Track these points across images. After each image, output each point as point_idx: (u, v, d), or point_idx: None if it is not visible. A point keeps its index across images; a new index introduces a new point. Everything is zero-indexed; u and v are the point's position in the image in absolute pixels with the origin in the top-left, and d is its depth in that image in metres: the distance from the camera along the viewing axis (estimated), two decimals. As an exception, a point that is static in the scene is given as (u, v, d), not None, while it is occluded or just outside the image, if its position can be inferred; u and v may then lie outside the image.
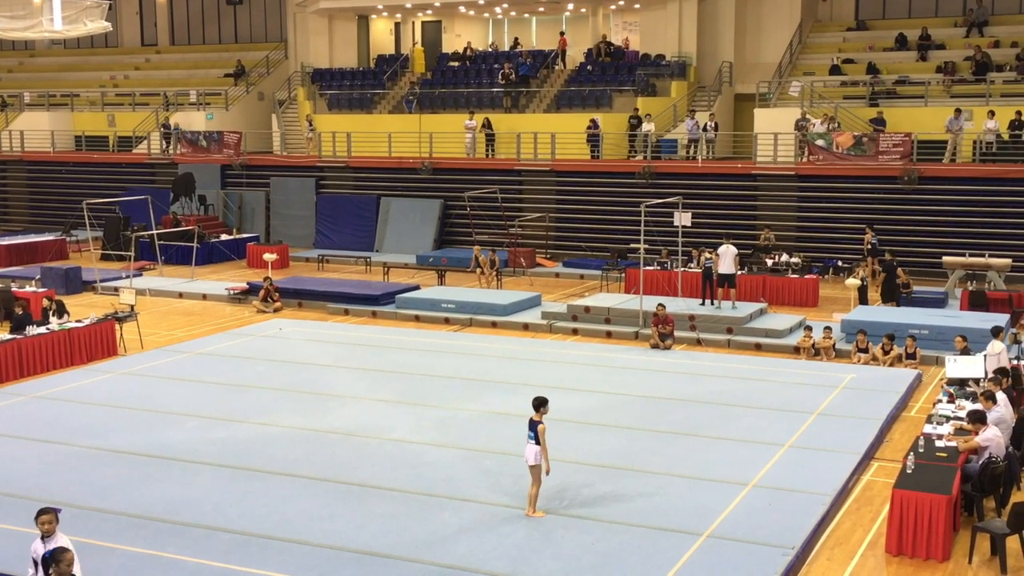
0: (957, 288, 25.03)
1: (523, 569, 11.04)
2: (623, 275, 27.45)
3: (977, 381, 15.64)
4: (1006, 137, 28.93)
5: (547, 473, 12.25)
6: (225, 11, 47.77)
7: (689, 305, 23.17)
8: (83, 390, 18.23)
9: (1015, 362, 16.82)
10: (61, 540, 8.93)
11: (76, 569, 8.92)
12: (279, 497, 13.11)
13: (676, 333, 21.54)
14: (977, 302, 23.22)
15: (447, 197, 34.32)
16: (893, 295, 24.00)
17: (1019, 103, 29.28)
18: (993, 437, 12.67)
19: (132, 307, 22.32)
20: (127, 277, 28.26)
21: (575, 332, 23.00)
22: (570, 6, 39.89)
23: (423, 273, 30.15)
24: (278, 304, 25.64)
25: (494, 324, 23.75)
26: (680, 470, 13.98)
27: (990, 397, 13.57)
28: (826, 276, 28.10)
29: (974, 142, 29.12)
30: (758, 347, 21.45)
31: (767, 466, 14.10)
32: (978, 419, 12.89)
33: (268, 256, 29.14)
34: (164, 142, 39.90)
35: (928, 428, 13.90)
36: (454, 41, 43.41)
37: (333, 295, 26.04)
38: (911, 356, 19.81)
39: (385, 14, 43.13)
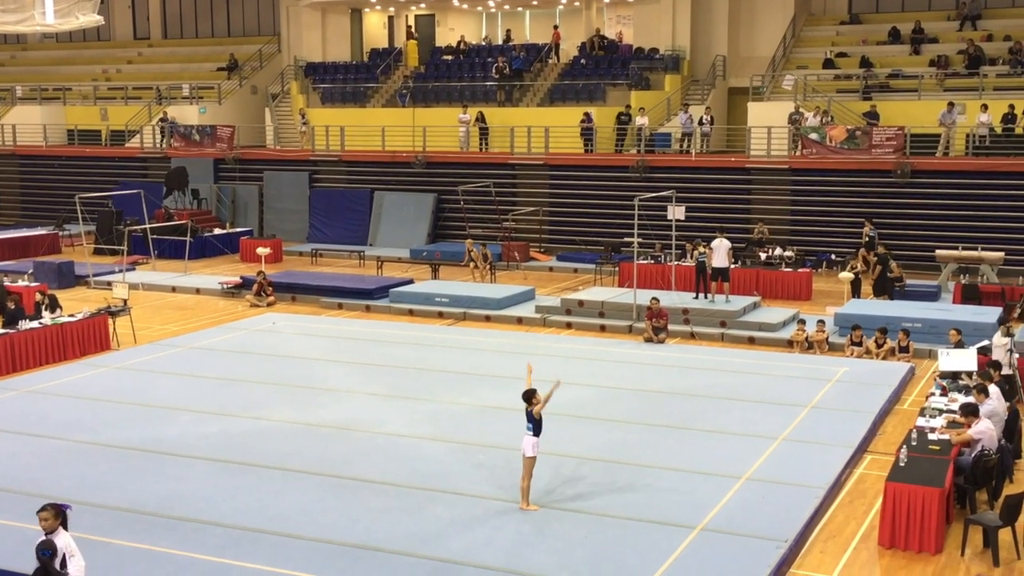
0: (950, 281, 25.07)
1: (516, 562, 11.04)
2: (617, 269, 27.45)
3: (970, 374, 15.66)
4: (999, 131, 28.97)
5: (560, 384, 12.61)
6: (218, 5, 47.64)
7: (683, 299, 23.18)
8: (76, 384, 18.19)
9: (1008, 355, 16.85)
10: (62, 537, 8.89)
11: (79, 556, 8.90)
12: (272, 491, 13.10)
13: (670, 327, 21.55)
14: (970, 295, 23.27)
15: (441, 191, 34.28)
16: (886, 288, 24.03)
17: (1012, 96, 29.32)
18: (986, 430, 12.69)
19: (125, 301, 22.26)
20: (120, 271, 28.22)
21: (569, 326, 23.00)
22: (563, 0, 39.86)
23: (417, 267, 30.13)
24: (271, 298, 25.61)
25: (488, 318, 23.74)
26: (673, 463, 13.99)
27: (983, 390, 13.60)
28: (820, 270, 28.13)
29: (967, 136, 29.16)
30: (751, 340, 21.47)
31: (760, 459, 14.11)
32: (971, 412, 12.92)
33: (261, 250, 29.09)
34: (162, 135, 39.75)
35: (921, 421, 13.92)
36: (447, 35, 43.35)
37: (327, 289, 26.01)
38: (904, 350, 19.84)
39: (378, 8, 43.06)
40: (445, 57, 40.73)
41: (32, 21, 24.91)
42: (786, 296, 25.23)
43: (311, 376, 18.63)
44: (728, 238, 23.65)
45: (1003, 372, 16.30)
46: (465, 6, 42.35)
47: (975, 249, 25.66)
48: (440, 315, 24.14)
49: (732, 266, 23.76)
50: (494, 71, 37.59)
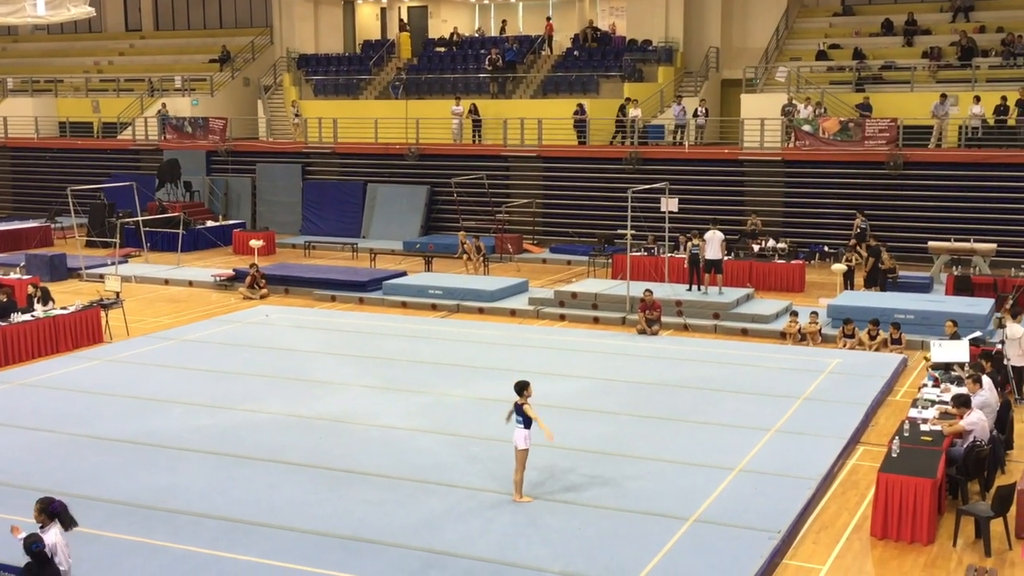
0: (942, 273, 25.12)
1: (510, 554, 11.06)
2: (610, 261, 27.46)
3: (962, 365, 15.71)
4: (991, 122, 29.01)
5: (550, 439, 12.21)
6: (210, -4, 47.54)
7: (676, 291, 23.21)
8: (69, 377, 18.16)
9: (999, 346, 16.91)
10: (51, 534, 8.89)
11: (61, 557, 8.90)
12: (266, 484, 13.10)
13: (663, 319, 21.57)
14: (962, 287, 23.31)
15: (434, 183, 34.25)
16: (877, 280, 24.07)
17: (1004, 88, 29.36)
18: (978, 421, 12.74)
19: (117, 294, 22.23)
20: (112, 264, 28.16)
21: (562, 318, 23.01)
22: (556, -9, 39.86)
23: (410, 259, 30.11)
24: (264, 291, 25.58)
25: (481, 310, 23.74)
26: (666, 455, 14.02)
27: (976, 381, 13.64)
28: (812, 261, 28.18)
29: (960, 127, 29.19)
30: (744, 332, 21.51)
31: (753, 451, 14.15)
32: (963, 403, 12.95)
33: (254, 243, 29.06)
34: (159, 127, 39.59)
35: (913, 412, 13.96)
36: (440, 27, 43.25)
37: (320, 281, 25.98)
38: (896, 341, 19.89)
39: (371, -1, 42.98)
40: (438, 49, 40.64)
41: (23, 13, 24.78)
42: (779, 288, 25.27)
43: (304, 368, 18.62)
44: (721, 230, 23.65)
45: (1013, 364, 16.41)
46: (458, -2, 42.30)
47: (967, 241, 25.72)
48: (433, 307, 24.14)
49: (725, 258, 23.78)
50: (487, 63, 37.54)
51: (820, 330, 20.64)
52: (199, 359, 19.27)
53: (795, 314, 21.09)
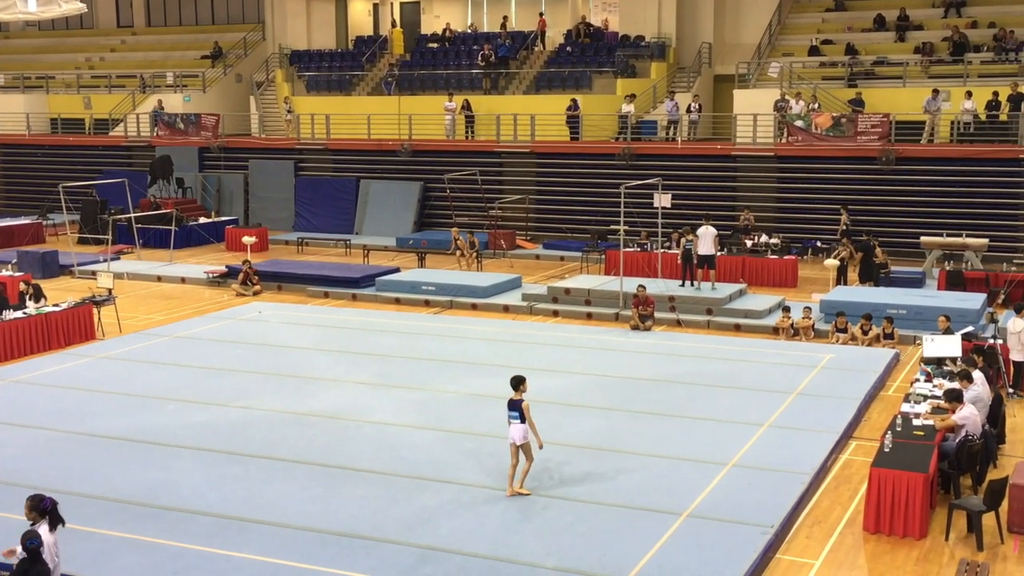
0: (934, 268, 25.17)
1: (503, 550, 11.07)
2: (603, 257, 27.47)
3: (954, 360, 15.75)
4: (983, 117, 29.04)
5: (540, 447, 12.41)
6: (202, -8, 47.43)
7: (669, 286, 23.22)
8: (61, 374, 18.13)
9: (991, 341, 16.95)
10: (41, 532, 8.87)
11: (48, 556, 8.88)
12: (259, 480, 13.10)
13: (656, 314, 21.59)
14: (954, 282, 23.36)
15: (427, 179, 34.21)
16: (871, 275, 24.11)
17: (996, 83, 29.40)
18: (970, 415, 12.77)
19: (110, 291, 22.19)
20: (104, 261, 28.10)
21: (555, 314, 23.02)
22: (549, -13, 39.82)
23: (403, 256, 30.09)
24: (257, 287, 25.55)
25: (474, 306, 23.74)
26: (660, 450, 14.03)
27: (967, 376, 13.67)
28: (805, 257, 28.21)
29: (952, 122, 29.24)
30: (737, 328, 21.53)
31: (747, 446, 14.17)
32: (955, 398, 12.98)
33: (247, 239, 29.00)
34: (151, 123, 39.48)
35: (906, 407, 13.99)
36: (433, 22, 43.19)
37: (313, 278, 25.96)
38: (889, 336, 19.92)
39: (363, -5, 42.88)
40: (431, 45, 40.59)
41: (14, 8, 24.70)
42: (772, 283, 25.30)
43: (298, 365, 18.60)
44: (714, 225, 23.69)
45: (1014, 359, 16.45)
46: (450, -7, 42.23)
47: (959, 235, 25.77)
48: (427, 303, 24.13)
49: (718, 253, 23.80)
50: (480, 59, 37.50)
51: (813, 325, 20.67)
52: (192, 356, 19.24)
53: (787, 309, 21.12)
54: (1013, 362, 16.60)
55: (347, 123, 36.29)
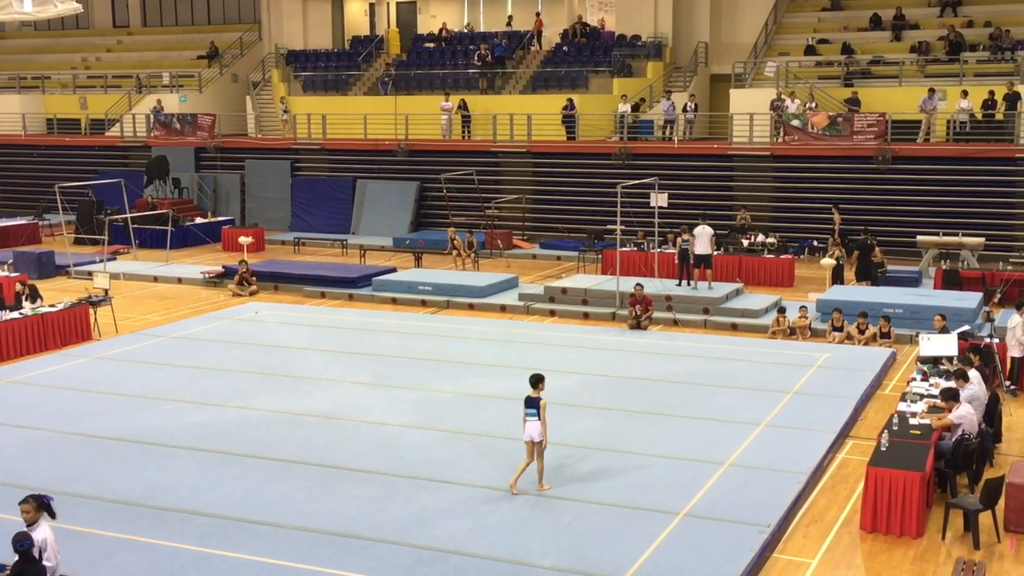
0: (931, 267, 25.19)
1: (501, 550, 11.07)
2: (600, 256, 27.47)
3: (950, 359, 15.77)
4: (979, 117, 29.07)
5: (544, 447, 12.52)
6: (198, -8, 47.38)
7: (666, 286, 23.23)
8: (57, 375, 18.11)
9: (987, 340, 16.97)
10: (41, 531, 8.86)
11: (51, 553, 8.89)
12: (256, 480, 13.09)
13: (653, 314, 21.56)
14: (950, 281, 23.38)
15: (423, 179, 34.21)
16: (869, 274, 24.13)
17: (992, 83, 29.42)
18: (966, 414, 12.78)
19: (106, 291, 22.16)
20: (101, 261, 28.06)
21: (552, 313, 23.02)
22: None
23: (400, 255, 30.07)
24: (254, 287, 25.53)
25: (471, 306, 23.73)
26: (657, 450, 14.04)
27: (963, 375, 13.69)
28: (801, 256, 28.21)
29: (948, 122, 29.25)
30: (734, 327, 21.54)
31: (743, 445, 14.18)
32: (951, 397, 13.00)
33: (243, 239, 29.00)
34: (147, 123, 39.43)
35: (902, 406, 14.01)
36: (429, 22, 43.19)
37: (309, 278, 25.94)
38: (885, 335, 19.94)
39: (359, -5, 42.85)
40: (427, 45, 40.56)
41: (10, 9, 24.65)
42: (768, 283, 25.31)
43: (294, 365, 18.59)
44: (710, 225, 23.70)
45: (1013, 355, 16.48)
46: (447, -7, 42.19)
47: (956, 235, 25.79)
48: (423, 303, 24.12)
49: (715, 253, 23.81)
50: (476, 59, 37.49)
51: (809, 324, 20.68)
52: (188, 356, 19.22)
53: (782, 311, 21.06)
54: (1012, 359, 16.62)
55: (343, 123, 36.27)
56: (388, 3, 43.82)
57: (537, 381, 12.54)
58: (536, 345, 20.07)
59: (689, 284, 23.28)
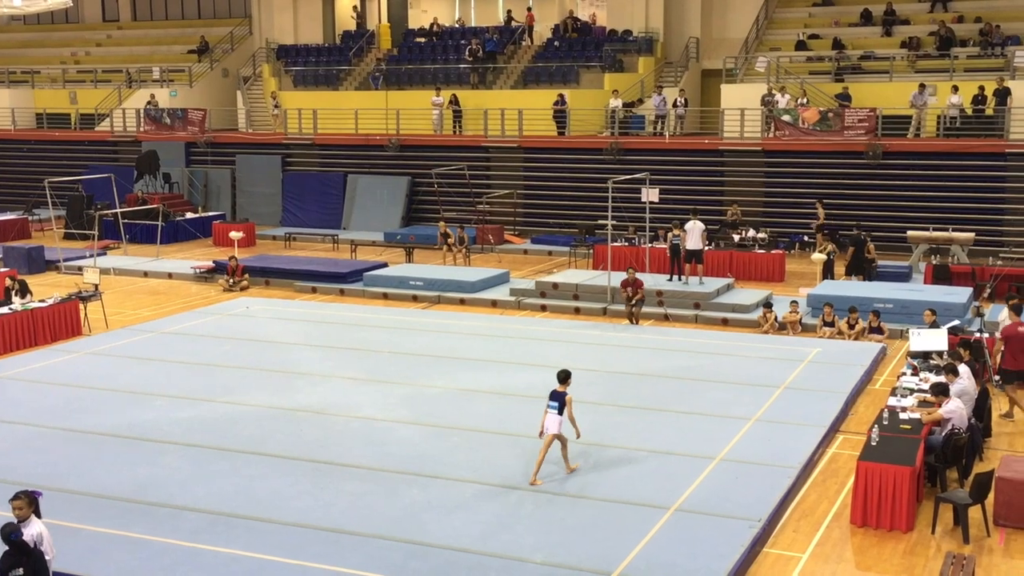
0: (921, 262, 25.26)
1: (492, 545, 11.07)
2: (591, 251, 27.49)
3: (940, 354, 15.81)
4: (969, 112, 29.15)
5: (578, 437, 12.91)
6: (188, -14, 47.23)
7: (657, 281, 23.24)
8: (47, 370, 18.05)
9: (977, 335, 17.02)
10: (35, 525, 8.84)
11: (47, 547, 8.87)
12: (246, 476, 13.07)
13: (644, 309, 21.55)
14: (941, 276, 23.45)
15: (415, 174, 34.18)
16: (861, 269, 24.17)
17: (982, 78, 29.50)
18: (956, 409, 12.82)
19: (96, 286, 22.08)
20: (91, 256, 27.99)
21: (543, 308, 23.03)
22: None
23: (391, 251, 30.06)
24: (245, 283, 25.48)
25: (462, 301, 23.73)
26: (648, 445, 14.05)
27: (953, 370, 13.73)
28: (792, 251, 28.27)
29: (938, 117, 29.33)
30: (725, 322, 21.57)
31: (734, 440, 14.20)
32: (941, 391, 13.03)
33: (234, 234, 28.92)
34: (137, 118, 39.30)
35: (892, 401, 14.05)
36: (420, 17, 43.12)
37: (300, 273, 25.91)
38: (876, 330, 19.98)
39: (350, -11, 42.74)
40: (418, 39, 40.52)
41: (0, 3, 24.58)
42: (759, 278, 25.36)
43: (285, 360, 18.56)
44: (702, 220, 23.72)
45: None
46: (438, -12, 42.11)
47: (946, 230, 25.86)
48: (414, 298, 24.11)
49: (706, 248, 23.84)
50: (467, 53, 37.45)
51: (800, 319, 20.72)
52: (179, 351, 19.18)
53: (768, 306, 21.05)
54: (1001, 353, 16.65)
55: (334, 118, 36.21)
56: (379, -2, 43.74)
57: (565, 377, 12.83)
58: (527, 340, 20.07)
59: (680, 279, 23.30)
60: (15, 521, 8.83)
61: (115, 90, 41.17)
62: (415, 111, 35.34)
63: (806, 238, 28.66)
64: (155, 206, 31.90)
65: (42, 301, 20.86)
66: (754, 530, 11.31)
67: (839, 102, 30.58)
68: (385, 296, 24.39)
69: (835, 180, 29.24)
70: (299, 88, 39.48)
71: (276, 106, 38.01)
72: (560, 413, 12.61)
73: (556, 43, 37.70)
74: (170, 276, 27.11)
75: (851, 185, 29.06)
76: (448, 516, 11.82)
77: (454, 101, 35.37)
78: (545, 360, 18.33)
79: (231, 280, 25.36)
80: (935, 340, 16.01)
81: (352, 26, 43.62)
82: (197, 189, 37.45)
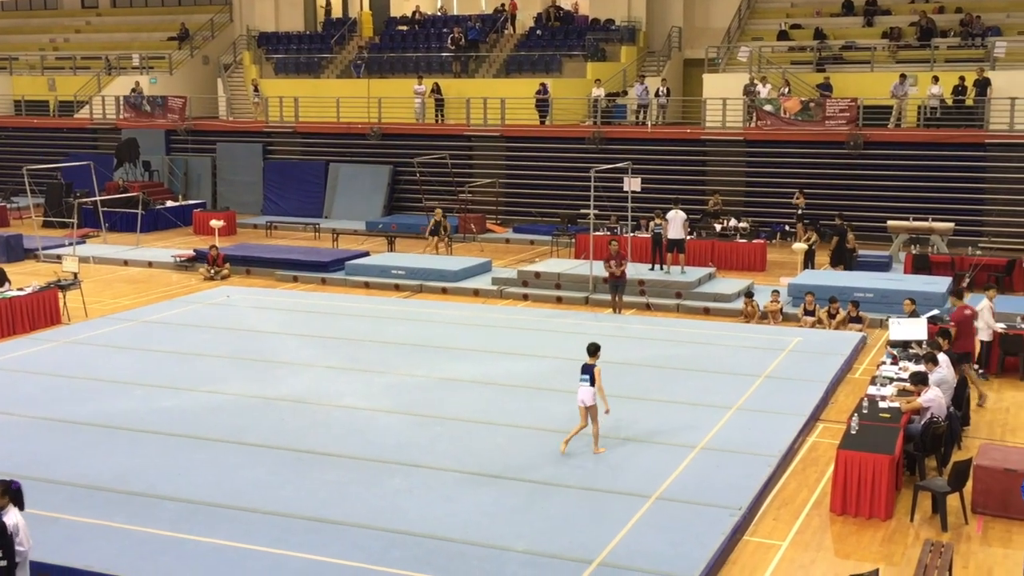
0: (901, 252, 25.38)
1: (473, 533, 11.08)
2: (573, 241, 27.50)
3: (920, 343, 15.90)
4: (950, 102, 29.26)
5: (607, 412, 13.28)
6: (168, -27, 46.88)
7: (639, 270, 23.27)
8: (26, 359, 17.94)
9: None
10: (11, 516, 8.78)
11: (23, 538, 8.82)
12: (227, 465, 13.03)
13: (626, 298, 21.55)
14: (920, 265, 23.58)
15: (396, 163, 34.08)
16: (843, 259, 24.25)
17: (962, 68, 29.62)
18: (935, 398, 12.90)
19: (75, 275, 21.94)
20: (70, 244, 27.80)
21: (525, 298, 23.03)
22: (519, -30, 39.62)
23: (373, 239, 29.98)
24: (225, 271, 25.37)
25: (444, 290, 23.70)
26: (629, 433, 14.08)
27: (932, 359, 13.81)
28: (774, 241, 28.35)
29: (919, 107, 29.43)
30: (707, 311, 21.62)
31: (715, 428, 14.25)
32: (920, 381, 13.11)
33: (215, 223, 28.79)
34: (116, 106, 39.01)
35: (872, 390, 14.13)
36: (402, 5, 42.95)
37: (282, 262, 25.82)
38: (856, 319, 20.08)
39: (332, -24, 42.51)
40: (400, 28, 40.36)
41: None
42: (741, 267, 25.42)
43: (266, 349, 18.51)
44: (683, 209, 23.75)
45: (982, 339, 16.65)
46: (420, -25, 41.94)
47: (926, 220, 25.98)
48: (396, 287, 24.06)
49: (688, 237, 23.88)
50: (450, 42, 37.33)
51: (781, 309, 20.79)
52: (159, 340, 19.09)
53: (750, 295, 21.11)
54: (980, 342, 16.78)
55: (316, 106, 36.05)
56: (361, -15, 43.54)
57: (595, 349, 13.30)
58: (509, 329, 20.08)
59: (662, 268, 23.35)
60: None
61: (94, 77, 40.86)
62: (397, 99, 35.22)
63: (787, 227, 28.74)
64: (135, 194, 31.69)
65: (21, 290, 20.71)
66: (735, 518, 11.36)
67: (820, 92, 30.65)
68: (367, 285, 24.34)
69: (816, 170, 29.32)
70: (280, 76, 39.29)
71: (257, 93, 37.81)
72: (592, 385, 12.96)
73: (538, 32, 37.63)
74: (150, 265, 26.97)
75: (832, 175, 29.15)
76: (430, 505, 11.82)
77: (436, 90, 35.27)
78: (527, 349, 18.36)
79: (212, 269, 25.28)
80: (915, 329, 16.10)
81: (336, 12, 43.36)
82: (177, 177, 37.24)
